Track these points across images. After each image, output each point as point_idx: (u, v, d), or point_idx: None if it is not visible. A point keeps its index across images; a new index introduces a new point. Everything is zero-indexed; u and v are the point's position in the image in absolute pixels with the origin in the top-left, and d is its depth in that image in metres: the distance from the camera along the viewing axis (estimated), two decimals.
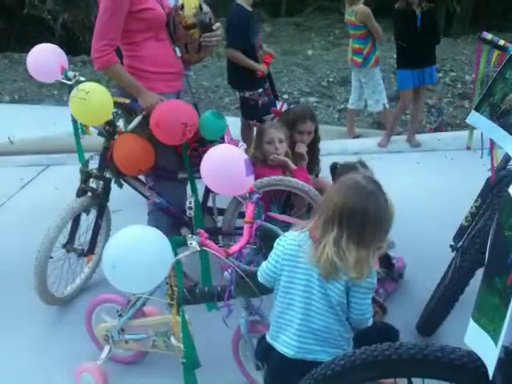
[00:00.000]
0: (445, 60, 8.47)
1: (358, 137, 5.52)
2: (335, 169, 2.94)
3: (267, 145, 3.03)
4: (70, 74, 2.74)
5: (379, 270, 1.72)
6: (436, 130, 5.71)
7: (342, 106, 6.77)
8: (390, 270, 2.77)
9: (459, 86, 7.52)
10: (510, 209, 1.13)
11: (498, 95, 2.12)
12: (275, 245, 1.79)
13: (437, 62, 4.91)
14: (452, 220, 2.62)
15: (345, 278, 1.62)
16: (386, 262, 2.75)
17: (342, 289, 1.64)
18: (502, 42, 2.13)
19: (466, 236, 2.42)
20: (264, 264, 1.81)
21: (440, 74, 7.71)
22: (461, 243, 2.42)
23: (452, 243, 2.47)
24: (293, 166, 3.02)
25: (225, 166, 2.14)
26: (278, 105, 3.35)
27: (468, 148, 2.43)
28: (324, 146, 3.51)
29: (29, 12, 10.41)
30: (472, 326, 1.21)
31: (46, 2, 10.59)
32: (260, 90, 3.85)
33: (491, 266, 1.20)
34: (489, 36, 2.16)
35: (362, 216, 1.58)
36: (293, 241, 1.74)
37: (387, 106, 5.24)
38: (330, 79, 7.95)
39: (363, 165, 2.81)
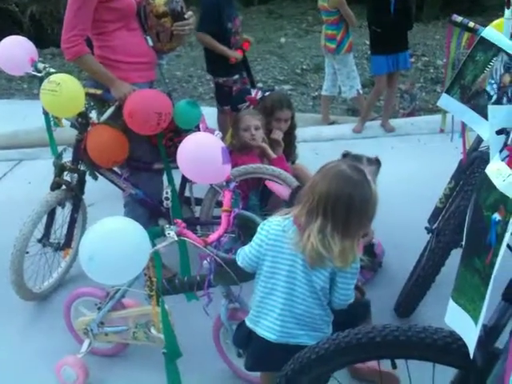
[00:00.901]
0: (416, 45, 8.54)
1: (332, 123, 5.54)
2: (346, 157, 2.90)
3: (243, 132, 3.03)
4: (40, 65, 2.69)
5: (363, 257, 1.73)
6: (409, 115, 5.76)
7: (317, 94, 6.79)
8: (373, 259, 2.80)
9: (431, 70, 7.60)
10: (487, 189, 1.15)
11: (469, 77, 2.15)
12: (258, 229, 1.78)
13: (409, 47, 4.93)
14: (427, 203, 2.66)
15: (330, 265, 1.63)
16: (370, 250, 2.77)
17: (326, 275, 1.65)
18: (472, 25, 2.15)
19: (440, 218, 2.45)
20: (246, 248, 1.81)
21: (412, 59, 7.76)
22: (436, 225, 2.45)
23: (427, 225, 2.51)
24: (272, 154, 3.03)
25: (201, 154, 2.13)
26: (253, 92, 3.34)
27: (441, 131, 2.46)
28: (299, 133, 3.52)
29: None
30: (452, 306, 1.23)
31: None
32: (236, 77, 3.83)
33: (470, 247, 1.22)
34: (459, 19, 2.18)
35: (347, 205, 1.58)
36: (277, 226, 1.73)
37: (361, 92, 5.26)
38: (304, 67, 7.96)
39: (372, 161, 2.77)
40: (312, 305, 1.69)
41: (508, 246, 1.08)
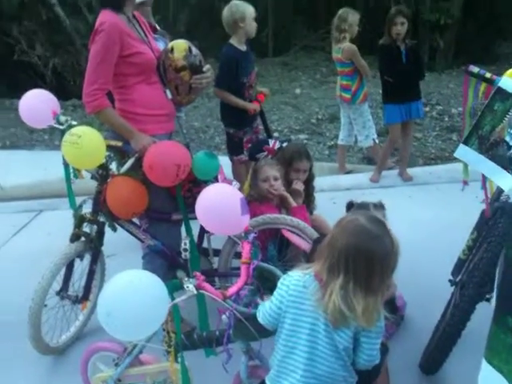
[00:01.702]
0: (431, 94, 8.61)
1: (349, 172, 5.55)
2: (351, 207, 2.90)
3: (262, 182, 3.03)
4: (62, 118, 2.75)
5: (386, 313, 1.68)
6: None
7: (332, 143, 6.83)
8: (395, 314, 2.73)
9: (446, 119, 7.63)
10: None
11: (487, 127, 2.14)
12: (279, 284, 1.75)
13: (423, 96, 4.98)
14: (449, 254, 2.61)
15: (354, 324, 1.58)
16: (391, 303, 2.70)
17: (350, 335, 1.60)
18: (488, 75, 2.16)
19: (464, 270, 2.40)
20: (267, 304, 1.77)
21: (427, 108, 7.83)
22: (459, 277, 2.40)
23: (450, 278, 2.45)
24: (293, 203, 3.03)
25: (220, 205, 2.13)
26: (271, 143, 3.37)
27: (465, 183, 2.40)
28: (316, 182, 3.52)
29: (19, 58, 10.54)
30: (485, 366, 1.19)
31: (36, 48, 10.74)
32: (246, 129, 3.89)
33: (502, 304, 1.18)
34: (475, 69, 2.19)
35: (368, 261, 1.54)
36: (298, 281, 1.69)
37: (377, 140, 5.29)
38: (319, 116, 8.04)
39: (378, 206, 2.77)
40: (335, 365, 1.63)
41: None
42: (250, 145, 3.87)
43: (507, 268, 1.17)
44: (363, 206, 2.71)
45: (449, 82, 9.62)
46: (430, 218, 3.96)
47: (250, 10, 3.76)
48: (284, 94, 9.54)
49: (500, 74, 2.24)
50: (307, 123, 7.83)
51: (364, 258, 1.54)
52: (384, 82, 4.71)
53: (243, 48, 3.83)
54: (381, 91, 4.96)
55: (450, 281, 2.43)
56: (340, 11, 4.89)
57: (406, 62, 4.54)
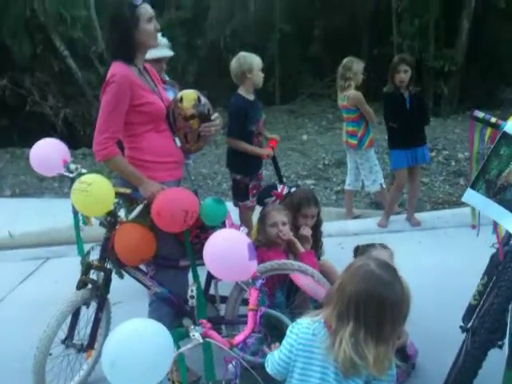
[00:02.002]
0: (437, 139, 8.67)
1: (357, 217, 5.54)
2: (358, 251, 2.91)
3: (270, 228, 3.04)
4: (72, 166, 2.80)
5: (397, 362, 1.64)
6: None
7: (339, 188, 6.85)
8: (407, 362, 2.67)
9: (453, 163, 7.65)
10: None
11: (494, 172, 2.15)
12: (288, 332, 1.72)
13: (429, 141, 5.02)
14: (459, 299, 2.57)
15: (365, 373, 1.54)
16: (403, 352, 2.65)
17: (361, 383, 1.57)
18: (493, 120, 2.18)
19: (475, 316, 2.36)
20: (275, 353, 1.73)
21: (433, 153, 7.87)
22: (470, 323, 2.35)
23: (461, 324, 2.41)
24: (301, 248, 3.02)
25: (227, 251, 2.13)
26: (279, 188, 3.39)
27: (474, 227, 2.39)
28: (324, 227, 3.51)
29: (31, 109, 10.78)
30: None
31: (48, 99, 11.00)
32: (252, 175, 3.94)
33: None
34: (481, 114, 2.22)
35: (379, 309, 1.52)
36: (307, 329, 1.66)
37: (384, 185, 5.30)
38: (326, 162, 8.10)
39: (384, 246, 2.79)
40: None
41: None
42: (255, 191, 3.91)
43: None
44: (370, 247, 2.71)
45: (454, 128, 9.70)
46: (439, 263, 3.93)
47: (257, 61, 3.86)
48: (291, 141, 9.66)
49: (505, 118, 2.27)
50: (314, 169, 7.88)
51: (375, 305, 1.52)
52: (389, 128, 4.76)
53: (251, 97, 3.91)
54: (386, 137, 5.01)
55: (461, 327, 2.39)
56: (344, 60, 5.00)
57: (409, 109, 4.60)
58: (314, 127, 10.93)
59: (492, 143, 2.20)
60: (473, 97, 11.41)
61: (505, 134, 2.13)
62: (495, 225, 2.24)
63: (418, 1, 11.53)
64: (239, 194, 3.98)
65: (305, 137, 9.97)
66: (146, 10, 2.63)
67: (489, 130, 2.24)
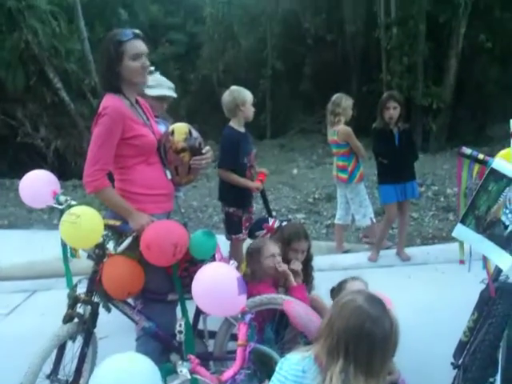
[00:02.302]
0: (426, 175, 8.76)
1: (347, 252, 5.53)
2: (333, 291, 2.92)
3: (267, 259, 3.02)
4: (62, 198, 2.78)
5: None
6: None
7: (330, 222, 6.86)
8: None
9: (442, 199, 7.71)
10: None
11: (483, 207, 2.17)
12: (277, 369, 1.69)
13: (418, 176, 5.06)
14: (449, 335, 2.56)
15: None
16: None
17: None
18: (481, 156, 2.22)
19: (466, 352, 2.34)
20: None
21: (422, 189, 7.94)
22: (461, 360, 2.34)
23: (453, 360, 2.39)
24: (293, 282, 3.00)
25: (216, 286, 2.11)
26: (271, 221, 3.40)
27: (461, 262, 2.41)
28: (315, 261, 3.50)
29: (22, 139, 10.81)
30: None
31: (39, 130, 11.04)
32: (245, 208, 3.95)
33: None
34: (468, 151, 2.25)
35: (369, 344, 1.51)
36: (297, 365, 1.63)
37: (374, 220, 5.32)
38: (316, 196, 8.13)
39: (356, 278, 2.81)
40: None
41: None
42: (247, 224, 3.91)
43: (508, 350, 1.14)
44: (343, 283, 2.73)
45: (443, 163, 9.83)
46: (429, 299, 3.91)
47: (249, 96, 3.96)
48: (281, 175, 9.72)
49: (493, 155, 2.30)
50: (304, 203, 7.90)
51: (364, 340, 1.51)
52: (379, 163, 4.81)
53: (242, 130, 3.97)
54: (375, 172, 5.05)
55: (452, 364, 2.37)
56: (334, 97, 5.08)
57: (398, 144, 4.66)
58: (304, 161, 11.03)
59: (480, 179, 2.23)
60: (461, 133, 11.61)
61: (493, 171, 2.16)
62: (485, 260, 2.25)
63: (407, 40, 11.83)
64: (232, 227, 3.98)
65: (295, 171, 10.04)
66: (133, 47, 2.62)
67: (477, 166, 2.28)
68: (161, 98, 3.74)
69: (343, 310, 1.58)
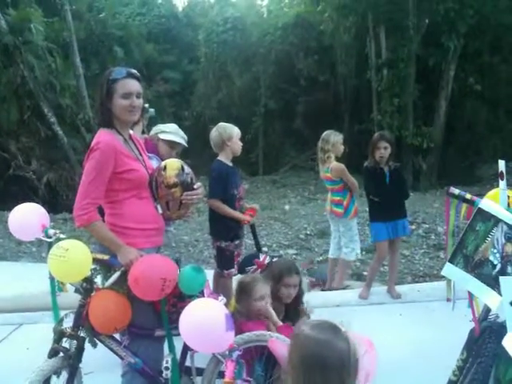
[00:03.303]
0: (416, 213, 8.83)
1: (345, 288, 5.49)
2: None
3: (257, 301, 2.99)
4: (51, 231, 2.77)
5: None
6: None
7: (321, 258, 6.85)
8: None
9: (433, 237, 7.76)
10: (506, 362, 1.11)
11: (471, 247, 2.19)
12: None
13: (409, 214, 5.10)
14: (438, 374, 2.53)
15: None
16: None
17: None
18: (468, 196, 2.25)
19: None
20: None
21: (413, 226, 7.98)
22: None
23: None
24: (278, 322, 2.96)
25: (204, 322, 2.09)
26: (261, 257, 3.39)
27: (449, 300, 2.42)
28: (305, 298, 3.48)
29: (14, 172, 10.80)
30: None
31: (32, 163, 11.05)
32: (237, 242, 3.98)
33: None
34: (456, 191, 2.29)
35: (323, 371, 1.45)
36: None
37: (359, 256, 5.32)
38: (308, 232, 8.16)
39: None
40: None
41: None
42: (239, 258, 3.91)
43: None
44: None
45: (433, 202, 9.91)
46: (419, 336, 3.89)
47: (236, 131, 4.09)
48: (273, 210, 9.75)
49: (482, 194, 2.33)
50: (296, 238, 7.92)
51: (318, 368, 1.46)
52: (370, 201, 4.85)
53: (230, 164, 4.09)
54: (366, 209, 5.08)
55: None
56: (323, 134, 5.14)
57: (389, 183, 4.72)
58: (296, 197, 11.08)
59: (468, 218, 2.25)
60: (451, 173, 11.76)
61: (480, 211, 2.19)
62: (470, 299, 2.25)
63: (397, 82, 12.09)
64: (224, 262, 3.98)
65: (287, 207, 10.07)
66: (125, 86, 2.64)
67: (464, 206, 2.31)
68: (172, 144, 4.01)
69: (295, 345, 1.55)
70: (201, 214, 8.93)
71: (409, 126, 12.04)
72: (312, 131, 13.28)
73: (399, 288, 5.04)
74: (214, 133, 4.07)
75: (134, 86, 2.68)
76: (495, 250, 2.07)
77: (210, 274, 2.94)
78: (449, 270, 2.25)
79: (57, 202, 10.05)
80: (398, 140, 11.28)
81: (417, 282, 5.78)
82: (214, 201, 3.95)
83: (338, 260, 5.39)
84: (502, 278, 1.64)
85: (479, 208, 2.17)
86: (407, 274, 6.27)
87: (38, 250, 7.52)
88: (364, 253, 6.82)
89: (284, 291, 3.19)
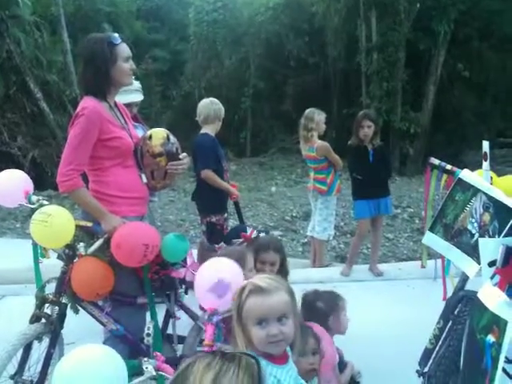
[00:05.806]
0: (402, 197, 8.89)
1: (327, 266, 5.53)
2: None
3: (250, 273, 2.98)
4: (34, 198, 2.76)
5: None
6: None
7: (306, 240, 6.90)
8: None
9: (417, 221, 7.82)
10: (480, 312, 1.14)
11: (450, 216, 2.23)
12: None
13: (394, 198, 5.15)
14: (417, 347, 2.57)
15: None
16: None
17: None
18: (449, 167, 2.29)
19: (431, 360, 2.36)
20: None
21: (398, 210, 8.05)
22: (427, 368, 2.36)
23: (418, 368, 2.41)
24: None
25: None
26: (249, 231, 3.40)
27: (423, 267, 2.47)
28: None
29: None
30: None
31: (17, 140, 10.92)
32: (225, 215, 4.03)
33: (467, 375, 1.17)
34: (436, 161, 2.32)
35: None
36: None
37: (331, 238, 5.33)
38: (294, 214, 8.19)
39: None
40: None
41: (504, 371, 1.04)
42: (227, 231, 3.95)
43: (470, 336, 1.17)
44: None
45: (419, 186, 9.98)
46: (399, 314, 3.94)
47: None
48: (260, 192, 9.76)
49: None
50: (281, 220, 7.95)
51: None
52: (353, 179, 4.88)
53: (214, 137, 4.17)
54: (349, 189, 5.12)
55: (417, 371, 2.39)
56: (306, 112, 5.15)
57: (373, 161, 4.75)
58: (282, 180, 11.09)
59: (448, 188, 2.28)
60: (437, 158, 11.80)
61: (460, 181, 2.22)
62: (443, 264, 2.30)
63: (386, 66, 12.08)
64: (216, 237, 3.99)
65: (273, 189, 10.09)
66: (125, 49, 2.71)
67: (444, 177, 2.34)
68: (128, 104, 3.70)
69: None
70: (187, 195, 8.91)
71: (397, 110, 12.08)
72: (300, 114, 13.21)
73: (381, 266, 5.10)
74: (210, 106, 4.14)
75: (129, 50, 2.75)
76: (473, 220, 2.10)
77: (195, 253, 2.94)
78: (429, 238, 2.29)
79: (42, 179, 9.92)
80: (386, 124, 11.30)
81: None
82: (208, 171, 3.98)
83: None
84: (481, 240, 1.67)
85: (459, 178, 2.20)
86: (391, 257, 6.34)
87: (22, 227, 7.48)
88: (349, 236, 6.88)
89: (259, 267, 3.15)
